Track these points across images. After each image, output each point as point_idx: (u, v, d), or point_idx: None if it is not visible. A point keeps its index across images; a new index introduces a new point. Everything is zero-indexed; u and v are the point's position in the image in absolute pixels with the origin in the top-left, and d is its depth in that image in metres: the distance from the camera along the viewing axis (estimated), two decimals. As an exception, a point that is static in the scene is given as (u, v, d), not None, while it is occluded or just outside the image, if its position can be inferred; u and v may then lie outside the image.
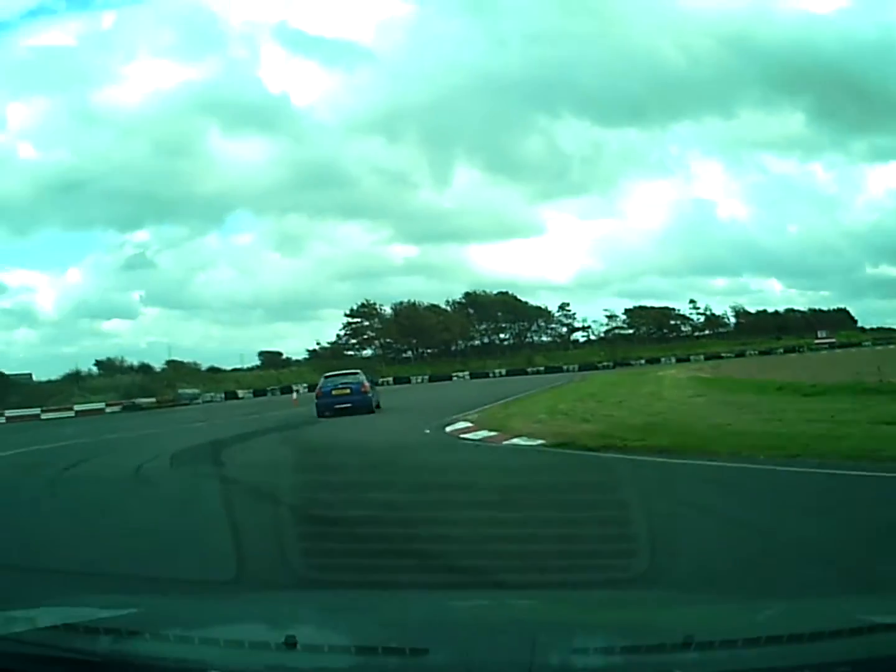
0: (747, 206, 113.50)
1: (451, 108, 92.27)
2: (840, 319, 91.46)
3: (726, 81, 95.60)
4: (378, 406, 24.49)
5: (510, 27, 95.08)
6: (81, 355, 53.69)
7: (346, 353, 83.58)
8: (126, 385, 58.53)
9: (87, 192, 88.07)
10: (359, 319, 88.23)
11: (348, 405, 22.51)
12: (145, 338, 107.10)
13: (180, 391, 58.35)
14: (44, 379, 62.22)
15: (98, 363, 68.31)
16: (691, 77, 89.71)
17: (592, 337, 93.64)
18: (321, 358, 79.85)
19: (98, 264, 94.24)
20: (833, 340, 77.60)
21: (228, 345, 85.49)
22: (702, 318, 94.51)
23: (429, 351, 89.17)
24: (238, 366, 78.78)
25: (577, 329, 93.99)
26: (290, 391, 55.58)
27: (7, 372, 59.12)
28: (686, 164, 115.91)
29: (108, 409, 49.25)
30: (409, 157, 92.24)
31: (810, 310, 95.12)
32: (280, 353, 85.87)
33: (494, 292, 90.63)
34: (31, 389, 57.20)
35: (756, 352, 75.01)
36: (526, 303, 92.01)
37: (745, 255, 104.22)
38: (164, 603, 2.74)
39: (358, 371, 26.16)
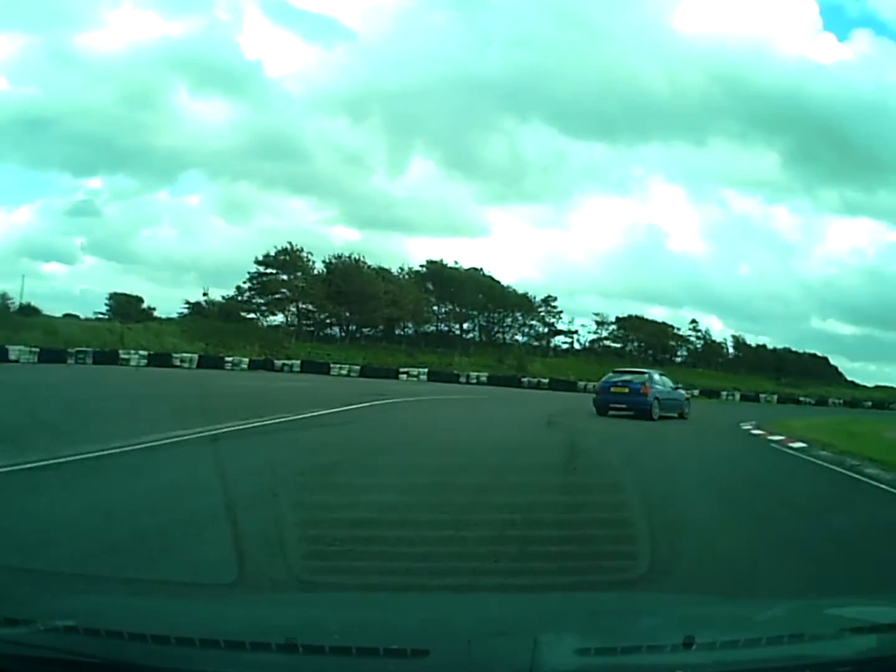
0: (701, 239, 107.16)
1: (419, 99, 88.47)
2: (823, 368, 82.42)
3: (705, 112, 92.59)
4: (683, 415, 22.27)
5: (496, 28, 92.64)
6: (13, 293, 51.75)
7: (243, 314, 62.07)
8: None
9: (50, 132, 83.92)
10: (273, 271, 63.84)
11: (623, 406, 20.78)
12: (79, 285, 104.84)
13: None
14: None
15: None
16: (669, 103, 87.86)
17: (577, 345, 76.37)
18: (204, 317, 58.23)
19: (48, 206, 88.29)
20: None
21: (159, 304, 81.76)
22: (700, 343, 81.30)
23: (365, 330, 66.92)
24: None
25: (560, 332, 76.02)
26: (116, 358, 38.38)
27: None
28: (646, 187, 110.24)
29: None
30: (368, 141, 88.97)
31: (805, 353, 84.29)
32: (140, 300, 63.09)
33: (465, 267, 70.80)
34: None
35: (840, 401, 59.77)
36: (507, 287, 72.20)
37: (690, 288, 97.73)
38: (164, 603, 2.74)
39: (646, 371, 23.33)
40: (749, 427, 21.10)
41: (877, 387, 74.82)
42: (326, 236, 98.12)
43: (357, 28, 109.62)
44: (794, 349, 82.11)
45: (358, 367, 49.76)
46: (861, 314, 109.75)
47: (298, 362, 49.17)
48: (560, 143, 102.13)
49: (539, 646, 2.00)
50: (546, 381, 52.84)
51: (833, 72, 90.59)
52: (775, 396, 58.28)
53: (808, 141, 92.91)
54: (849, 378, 79.50)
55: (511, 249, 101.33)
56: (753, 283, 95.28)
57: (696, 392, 54.70)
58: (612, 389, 21.48)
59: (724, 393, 57.61)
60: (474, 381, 50.91)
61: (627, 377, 21.95)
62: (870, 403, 60.41)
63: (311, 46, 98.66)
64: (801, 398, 58.41)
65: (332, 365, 49.61)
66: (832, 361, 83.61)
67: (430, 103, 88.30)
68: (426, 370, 51.48)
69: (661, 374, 23.81)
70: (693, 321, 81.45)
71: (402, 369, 50.96)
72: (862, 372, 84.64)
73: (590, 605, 2.76)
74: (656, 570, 3.96)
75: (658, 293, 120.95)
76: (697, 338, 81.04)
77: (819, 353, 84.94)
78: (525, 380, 53.08)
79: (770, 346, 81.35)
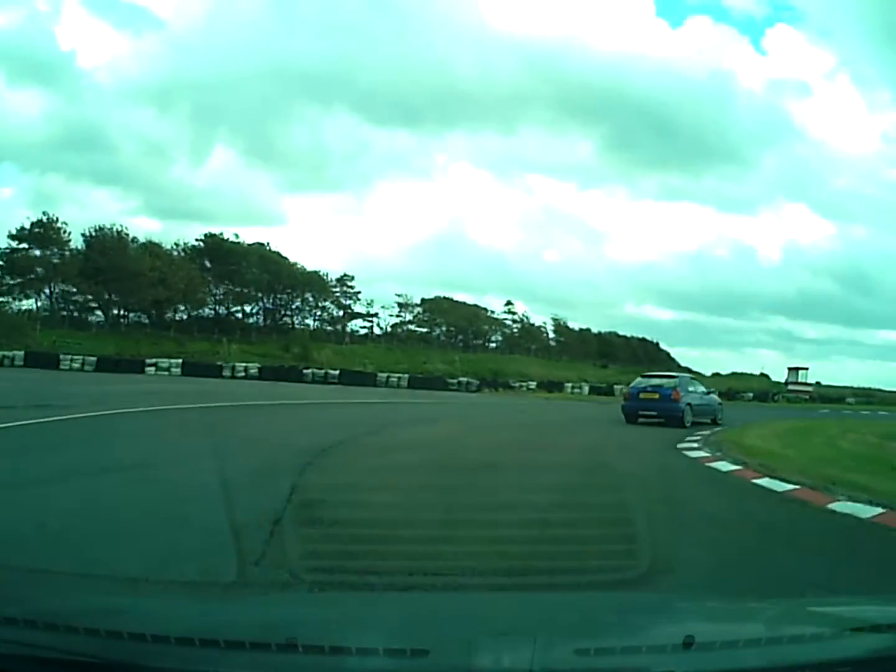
0: (508, 226, 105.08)
1: (225, 88, 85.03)
2: (654, 353, 75.15)
3: (516, 99, 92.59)
4: (716, 420, 21.07)
5: (306, 16, 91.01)
6: None
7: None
8: None
9: None
10: (25, 245, 54.10)
11: (654, 412, 19.84)
12: None
13: None
14: None
15: None
16: (479, 90, 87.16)
17: (377, 330, 67.08)
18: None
19: None
20: (811, 389, 60.17)
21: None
22: (518, 327, 72.95)
23: (131, 315, 58.31)
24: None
25: (358, 315, 66.45)
26: None
27: None
28: (451, 174, 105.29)
29: None
30: (173, 131, 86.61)
31: (634, 337, 76.70)
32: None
33: (249, 242, 61.63)
34: None
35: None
36: (294, 264, 62.68)
37: (495, 275, 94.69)
38: (164, 603, 2.74)
39: (677, 375, 22.11)
40: (701, 454, 12.59)
41: (732, 374, 68.01)
42: (128, 227, 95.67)
43: (168, 17, 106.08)
44: (620, 333, 76.52)
45: (94, 360, 40.38)
46: (680, 299, 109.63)
47: (22, 353, 40.48)
48: (364, 132, 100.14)
49: (539, 646, 2.00)
50: (336, 372, 43.90)
51: (660, 59, 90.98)
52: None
53: (628, 128, 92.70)
54: (683, 364, 72.03)
55: (309, 238, 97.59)
56: (563, 269, 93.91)
57: (532, 385, 48.00)
58: (641, 395, 20.45)
59: (570, 385, 49.52)
60: (242, 373, 42.97)
61: (657, 382, 20.84)
62: (751, 395, 53.94)
63: (122, 36, 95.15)
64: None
65: (61, 357, 40.32)
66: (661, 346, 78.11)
67: (236, 93, 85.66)
68: (180, 362, 42.50)
69: (691, 378, 22.92)
70: (508, 303, 73.59)
71: (149, 361, 42.01)
72: (684, 358, 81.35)
73: (590, 605, 2.76)
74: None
75: (462, 281, 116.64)
76: (514, 321, 73.48)
77: (650, 338, 79.08)
78: (308, 371, 43.97)
79: (595, 331, 75.65)
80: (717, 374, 66.20)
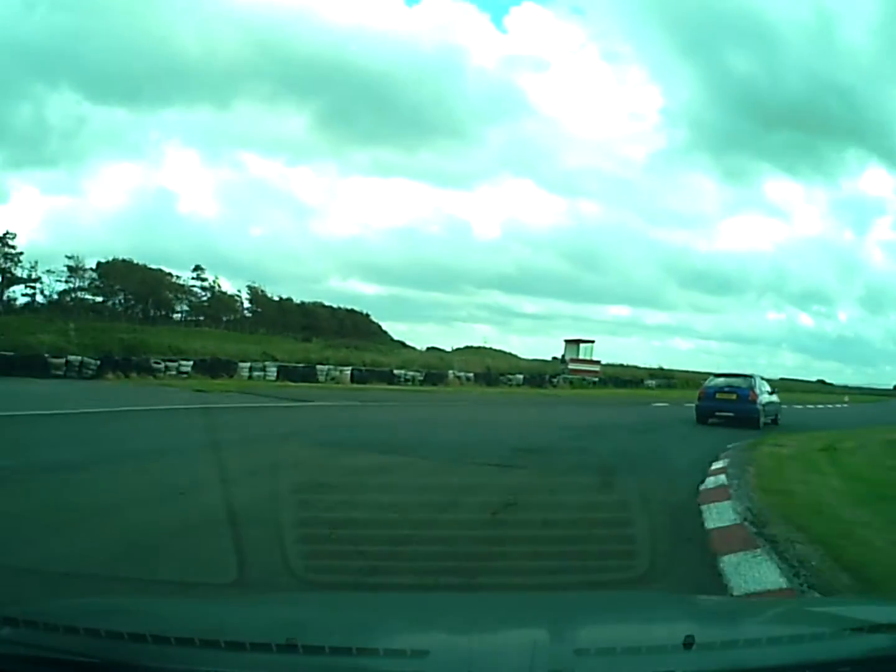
0: (214, 201, 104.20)
1: None
2: (365, 326, 68.94)
3: (235, 74, 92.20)
4: (776, 420, 20.94)
5: None
6: None
7: None
8: None
9: None
10: None
11: (731, 413, 19.59)
12: None
13: None
14: None
15: None
16: (197, 66, 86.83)
17: (41, 298, 57.02)
18: None
19: None
20: (598, 370, 47.59)
21: None
22: (207, 296, 64.89)
23: None
24: None
25: (20, 280, 56.04)
26: None
27: None
28: (162, 151, 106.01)
29: None
30: None
31: (342, 308, 69.53)
32: None
33: None
34: None
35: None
36: None
37: (200, 250, 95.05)
38: (164, 603, 2.74)
39: (751, 375, 21.46)
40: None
41: (466, 348, 59.15)
42: None
43: None
44: (327, 303, 69.71)
45: None
46: (387, 274, 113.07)
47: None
48: (84, 109, 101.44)
49: (539, 646, 2.00)
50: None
51: (388, 33, 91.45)
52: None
53: (344, 103, 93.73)
54: (396, 338, 66.32)
55: (25, 216, 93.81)
56: (268, 243, 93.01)
57: (187, 366, 29.15)
58: (718, 395, 20.17)
59: (247, 366, 31.79)
60: None
61: (734, 382, 20.45)
62: (521, 378, 41.86)
63: None
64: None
65: None
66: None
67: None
68: None
69: (760, 378, 22.17)
70: (197, 268, 64.66)
71: None
72: (395, 332, 79.63)
73: (590, 605, 2.76)
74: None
75: (167, 256, 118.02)
76: (203, 289, 65.28)
77: (359, 309, 72.92)
78: None
79: (297, 301, 67.27)
80: (437, 349, 58.52)
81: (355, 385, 33.15)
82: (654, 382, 51.35)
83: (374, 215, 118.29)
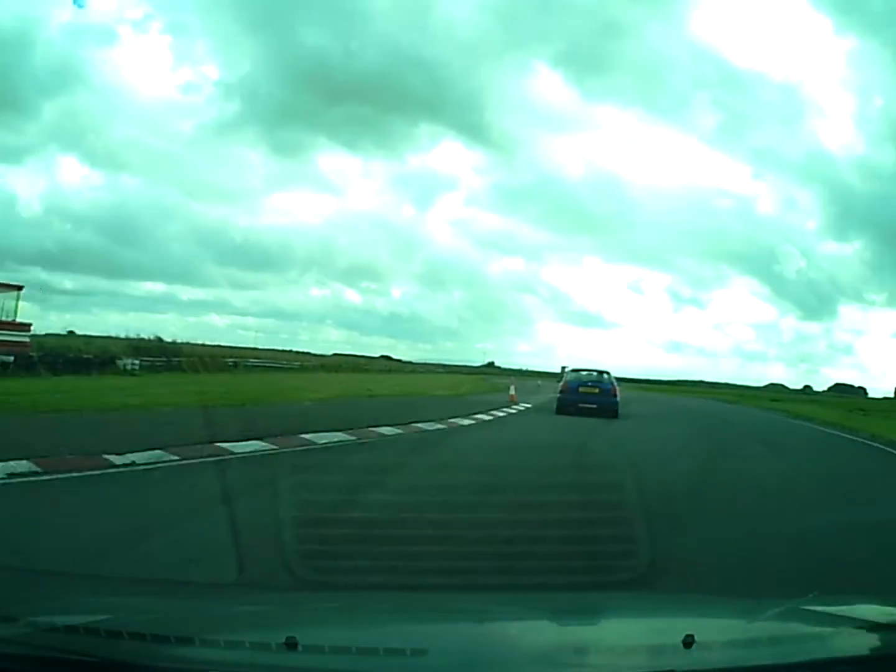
0: None
1: None
2: None
3: None
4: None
5: None
6: None
7: None
8: None
9: None
10: None
11: (594, 406, 21.24)
12: None
13: None
14: None
15: None
16: None
17: None
18: None
19: None
20: (26, 340, 27.41)
21: None
22: None
23: None
24: None
25: None
26: None
27: None
28: None
29: None
30: None
31: None
32: None
33: None
34: None
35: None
36: None
37: None
38: (164, 603, 2.74)
39: (606, 371, 23.88)
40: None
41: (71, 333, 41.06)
42: None
43: None
44: None
45: None
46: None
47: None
48: None
49: (539, 645, 2.00)
50: None
51: None
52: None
53: None
54: None
55: None
56: None
57: None
58: (581, 389, 22.22)
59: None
60: None
61: (595, 377, 22.90)
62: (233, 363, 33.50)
63: None
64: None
65: None
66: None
67: None
68: None
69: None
70: None
71: None
72: None
73: (590, 605, 2.75)
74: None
75: None
76: None
77: None
78: None
79: None
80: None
81: None
82: (136, 364, 30.44)
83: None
